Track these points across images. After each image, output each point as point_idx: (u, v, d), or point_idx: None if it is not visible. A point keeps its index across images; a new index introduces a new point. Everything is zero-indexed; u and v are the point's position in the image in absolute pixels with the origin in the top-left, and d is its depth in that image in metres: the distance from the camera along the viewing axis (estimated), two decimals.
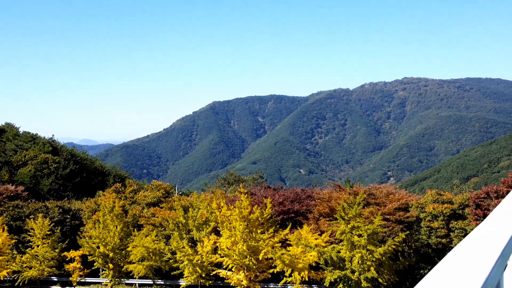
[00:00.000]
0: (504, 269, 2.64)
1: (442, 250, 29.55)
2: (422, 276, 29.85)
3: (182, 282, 33.33)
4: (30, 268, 35.04)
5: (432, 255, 30.32)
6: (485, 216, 28.27)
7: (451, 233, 29.53)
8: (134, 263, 32.12)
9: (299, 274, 26.95)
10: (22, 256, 35.28)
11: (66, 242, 36.47)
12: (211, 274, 30.89)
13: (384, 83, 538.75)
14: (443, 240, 29.49)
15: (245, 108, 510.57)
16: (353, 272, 25.40)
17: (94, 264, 33.94)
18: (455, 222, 29.73)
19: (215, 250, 30.78)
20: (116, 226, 33.50)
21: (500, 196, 28.44)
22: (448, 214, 30.27)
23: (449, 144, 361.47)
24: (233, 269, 29.20)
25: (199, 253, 30.06)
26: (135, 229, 34.23)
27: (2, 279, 35.74)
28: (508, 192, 28.29)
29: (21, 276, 34.70)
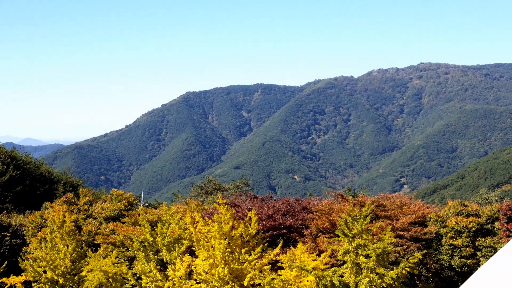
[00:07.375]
0: None
1: (467, 273, 29.50)
2: None
3: None
4: None
5: (455, 279, 30.26)
6: None
7: (477, 253, 29.48)
8: None
9: None
10: None
11: (5, 265, 35.60)
12: None
13: (395, 70, 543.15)
14: (469, 261, 29.36)
15: (226, 100, 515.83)
16: None
17: None
18: (483, 239, 29.65)
19: (189, 275, 30.32)
20: (67, 246, 32.81)
21: None
22: (474, 229, 30.05)
23: (475, 145, 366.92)
24: None
25: (170, 278, 29.60)
26: (91, 250, 33.70)
27: None
28: None
29: None
